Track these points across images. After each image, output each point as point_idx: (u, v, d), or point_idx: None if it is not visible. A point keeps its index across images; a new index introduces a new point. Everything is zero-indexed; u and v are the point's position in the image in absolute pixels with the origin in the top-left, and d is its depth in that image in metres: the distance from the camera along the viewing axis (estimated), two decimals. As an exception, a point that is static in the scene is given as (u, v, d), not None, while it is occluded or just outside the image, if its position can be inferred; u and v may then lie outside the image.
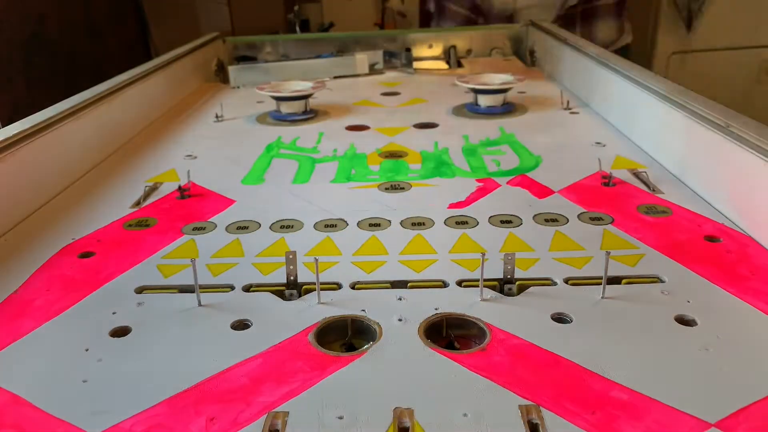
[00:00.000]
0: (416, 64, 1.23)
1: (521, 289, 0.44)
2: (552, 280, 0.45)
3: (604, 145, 0.73)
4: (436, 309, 0.41)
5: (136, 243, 0.52)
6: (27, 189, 0.59)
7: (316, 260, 0.43)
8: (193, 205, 0.60)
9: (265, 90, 0.89)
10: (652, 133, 0.70)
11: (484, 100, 0.88)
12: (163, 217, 0.57)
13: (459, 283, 0.44)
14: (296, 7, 1.92)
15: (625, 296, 0.42)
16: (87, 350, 0.38)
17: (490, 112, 0.88)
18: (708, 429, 0.31)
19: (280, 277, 0.46)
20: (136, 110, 0.85)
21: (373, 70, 1.18)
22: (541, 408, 0.32)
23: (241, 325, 0.40)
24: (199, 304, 0.43)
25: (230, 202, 0.60)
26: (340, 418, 0.32)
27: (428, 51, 1.29)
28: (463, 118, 0.87)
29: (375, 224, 0.54)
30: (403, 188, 0.62)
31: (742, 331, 0.38)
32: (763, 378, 0.34)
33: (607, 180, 0.61)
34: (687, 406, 0.32)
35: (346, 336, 0.40)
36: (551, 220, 0.54)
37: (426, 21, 1.45)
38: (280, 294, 0.44)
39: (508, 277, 0.44)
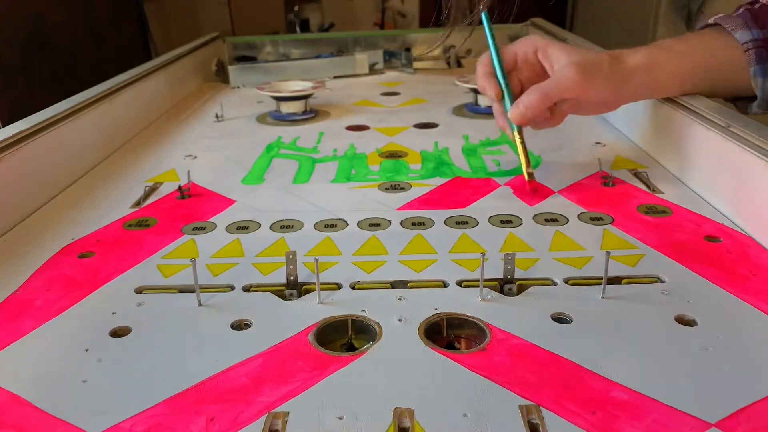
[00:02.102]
0: (416, 64, 1.23)
1: (521, 289, 0.44)
2: (552, 280, 0.45)
3: (604, 145, 0.73)
4: (436, 309, 0.41)
5: (136, 243, 0.52)
6: (27, 189, 0.59)
7: (316, 260, 0.43)
8: (193, 205, 0.60)
9: (265, 90, 0.89)
10: (652, 133, 0.70)
11: (484, 100, 0.88)
12: (163, 217, 0.57)
13: (459, 283, 0.44)
14: (296, 7, 1.92)
15: (625, 296, 0.42)
16: (87, 350, 0.38)
17: (490, 112, 0.87)
18: (708, 429, 0.31)
19: (280, 277, 0.46)
20: (136, 110, 0.85)
21: (373, 70, 1.18)
22: (541, 408, 0.32)
23: (241, 325, 0.40)
24: (199, 304, 0.43)
25: (230, 202, 0.60)
26: (340, 418, 0.32)
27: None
28: (463, 118, 0.87)
29: (375, 224, 0.54)
30: (403, 188, 0.62)
31: (742, 331, 0.38)
32: (763, 378, 0.34)
33: (607, 180, 0.61)
34: (687, 406, 0.32)
35: (347, 336, 0.40)
36: (551, 220, 0.54)
37: (427, 22, 1.43)
38: (280, 294, 0.44)
39: (508, 277, 0.44)
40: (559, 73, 0.58)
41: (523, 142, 0.60)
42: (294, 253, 0.45)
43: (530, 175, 0.59)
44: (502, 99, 0.62)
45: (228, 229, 0.54)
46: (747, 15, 0.59)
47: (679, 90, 0.62)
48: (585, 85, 0.57)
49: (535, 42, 0.61)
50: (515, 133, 0.61)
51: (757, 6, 0.60)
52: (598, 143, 0.74)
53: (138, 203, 0.60)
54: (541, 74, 0.62)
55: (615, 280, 0.44)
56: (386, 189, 0.62)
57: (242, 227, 0.55)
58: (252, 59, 1.27)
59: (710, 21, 0.62)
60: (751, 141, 0.51)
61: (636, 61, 0.59)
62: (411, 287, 0.44)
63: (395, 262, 0.48)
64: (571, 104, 0.60)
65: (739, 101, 0.64)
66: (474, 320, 0.40)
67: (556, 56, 0.59)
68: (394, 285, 0.45)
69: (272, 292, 0.44)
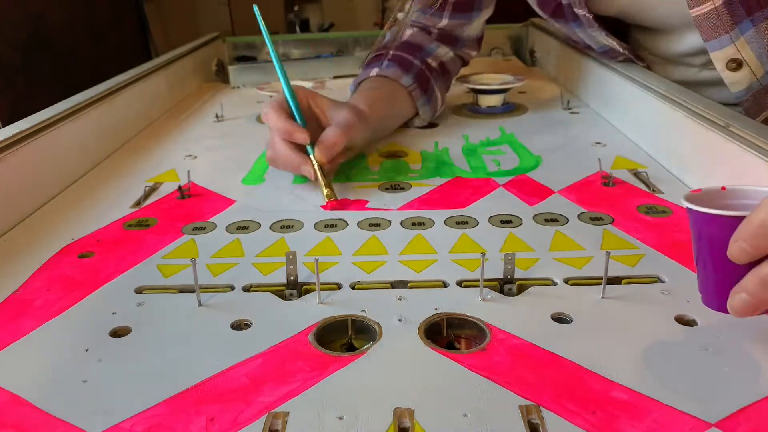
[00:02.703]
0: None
1: (521, 289, 0.44)
2: (552, 280, 0.45)
3: (604, 145, 0.73)
4: (436, 309, 0.41)
5: (136, 243, 0.52)
6: (27, 189, 0.59)
7: (316, 260, 0.43)
8: (193, 205, 0.60)
9: (265, 90, 0.89)
10: (652, 133, 0.70)
11: (484, 100, 0.88)
12: (163, 217, 0.57)
13: (459, 283, 0.44)
14: (296, 7, 1.92)
15: (625, 296, 0.42)
16: (87, 350, 0.38)
17: (490, 112, 0.88)
18: (708, 429, 0.31)
19: (280, 277, 0.46)
20: (136, 110, 0.85)
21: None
22: (541, 408, 0.32)
23: (241, 325, 0.40)
24: (199, 304, 0.43)
25: (230, 202, 0.60)
26: (340, 418, 0.32)
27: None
28: (463, 118, 0.87)
29: (375, 224, 0.54)
30: (403, 188, 0.62)
31: (742, 331, 0.38)
32: (763, 378, 0.34)
33: (607, 180, 0.61)
34: (687, 406, 0.32)
35: (347, 336, 0.40)
36: (551, 220, 0.54)
37: None
38: (280, 294, 0.44)
39: (508, 277, 0.44)
40: (343, 114, 0.64)
41: (324, 172, 0.60)
42: (294, 253, 0.45)
43: (329, 196, 0.58)
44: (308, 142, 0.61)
45: (228, 229, 0.54)
46: (395, 65, 0.79)
47: (382, 129, 0.76)
48: (360, 126, 0.65)
49: (305, 92, 0.66)
50: (315, 167, 0.60)
51: (390, 56, 0.80)
52: (598, 143, 0.74)
53: (138, 203, 0.60)
54: (315, 119, 0.66)
55: (615, 280, 0.44)
56: (386, 189, 0.62)
57: (242, 227, 0.55)
58: (252, 59, 1.27)
59: (373, 74, 0.78)
60: (751, 141, 0.51)
61: (367, 110, 0.69)
62: (411, 287, 0.44)
63: (395, 262, 0.48)
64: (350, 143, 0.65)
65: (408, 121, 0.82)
66: (474, 320, 0.40)
67: (327, 102, 0.66)
68: (394, 285, 0.45)
69: (272, 292, 0.44)
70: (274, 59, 0.64)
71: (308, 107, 0.65)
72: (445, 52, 0.85)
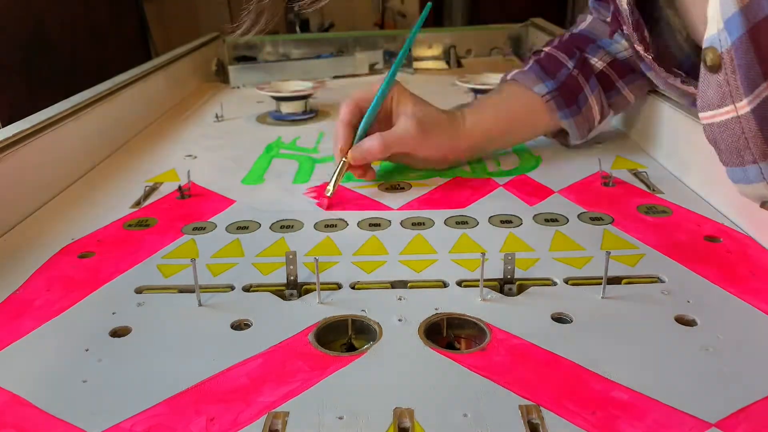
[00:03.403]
0: (416, 64, 1.23)
1: (521, 289, 0.44)
2: (552, 280, 0.45)
3: (604, 145, 0.73)
4: (436, 309, 0.41)
5: (136, 243, 0.52)
6: (27, 189, 0.59)
7: (316, 260, 0.43)
8: (193, 205, 0.60)
9: (265, 90, 0.89)
10: (652, 133, 0.70)
11: (484, 100, 0.88)
12: (163, 217, 0.57)
13: (459, 283, 0.44)
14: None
15: (625, 296, 0.42)
16: (87, 350, 0.38)
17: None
18: (708, 429, 0.31)
19: (280, 277, 0.46)
20: (136, 110, 0.85)
21: (373, 70, 1.18)
22: (541, 408, 0.32)
23: (241, 325, 0.40)
24: (199, 304, 0.43)
25: (230, 202, 0.60)
26: (340, 418, 0.32)
27: (428, 51, 1.29)
28: (463, 118, 0.87)
29: (375, 224, 0.54)
30: (403, 188, 0.62)
31: (742, 331, 0.38)
32: (763, 378, 0.34)
33: (607, 180, 0.61)
34: (687, 406, 0.32)
35: (347, 336, 0.40)
36: (551, 220, 0.54)
37: (427, 22, 1.44)
38: (280, 294, 0.44)
39: (508, 277, 0.44)
40: (401, 127, 0.61)
41: (342, 171, 0.60)
42: (294, 253, 0.45)
43: (327, 191, 0.59)
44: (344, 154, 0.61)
45: (228, 229, 0.54)
46: (537, 68, 0.67)
47: (488, 142, 0.68)
48: (422, 142, 0.62)
49: (397, 88, 0.63)
50: (341, 164, 0.60)
51: (542, 55, 0.69)
52: (598, 143, 0.74)
53: (138, 203, 0.60)
54: (390, 116, 0.64)
55: (615, 280, 0.44)
56: (386, 189, 0.62)
57: (242, 227, 0.55)
58: (252, 59, 1.27)
59: (508, 78, 0.69)
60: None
61: (472, 121, 0.65)
62: (411, 287, 0.44)
63: (395, 262, 0.48)
64: (408, 158, 0.64)
65: (559, 136, 0.72)
66: (474, 320, 0.40)
67: (404, 106, 0.62)
68: (394, 285, 0.45)
69: (272, 292, 0.44)
70: (401, 57, 0.64)
71: (389, 104, 0.63)
72: (626, 46, 0.66)
